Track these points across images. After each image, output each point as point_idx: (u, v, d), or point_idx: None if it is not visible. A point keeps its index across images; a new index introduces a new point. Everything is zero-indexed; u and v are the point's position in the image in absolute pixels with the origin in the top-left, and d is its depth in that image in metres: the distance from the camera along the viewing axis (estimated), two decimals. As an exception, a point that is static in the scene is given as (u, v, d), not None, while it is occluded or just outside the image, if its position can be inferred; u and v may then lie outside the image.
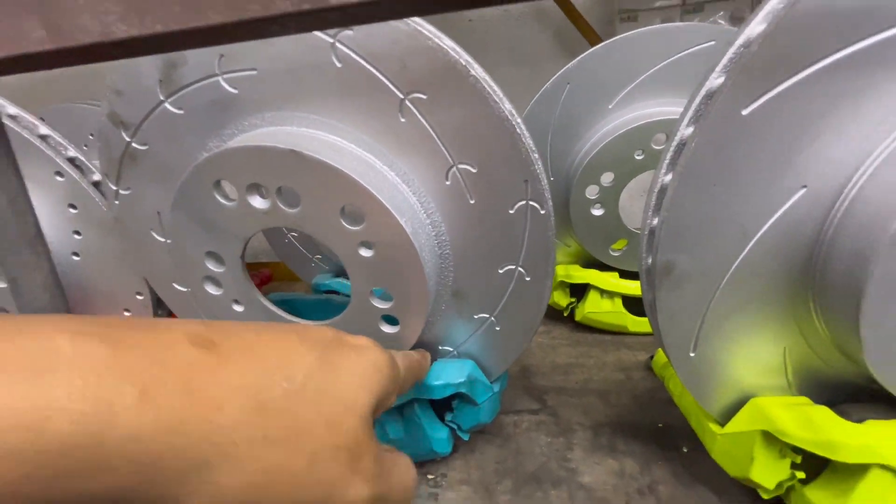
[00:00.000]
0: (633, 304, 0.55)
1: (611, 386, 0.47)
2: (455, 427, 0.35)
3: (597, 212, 0.53)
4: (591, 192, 0.52)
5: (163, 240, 0.35)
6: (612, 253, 0.55)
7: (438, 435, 0.34)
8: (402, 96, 0.26)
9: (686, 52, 0.46)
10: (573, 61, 0.48)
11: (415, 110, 0.26)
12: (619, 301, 0.55)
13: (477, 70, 0.25)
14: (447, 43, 0.25)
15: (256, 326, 0.19)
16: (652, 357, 0.46)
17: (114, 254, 0.39)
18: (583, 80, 0.48)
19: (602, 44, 0.47)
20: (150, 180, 0.33)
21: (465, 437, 0.36)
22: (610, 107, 0.49)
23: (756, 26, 0.20)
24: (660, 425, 0.40)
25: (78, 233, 0.40)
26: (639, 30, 0.46)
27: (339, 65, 0.26)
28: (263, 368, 0.17)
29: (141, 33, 0.17)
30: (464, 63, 0.25)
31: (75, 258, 0.41)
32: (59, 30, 0.18)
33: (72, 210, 0.38)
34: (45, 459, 0.12)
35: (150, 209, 0.34)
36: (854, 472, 0.24)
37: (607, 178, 0.51)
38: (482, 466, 0.36)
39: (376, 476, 0.19)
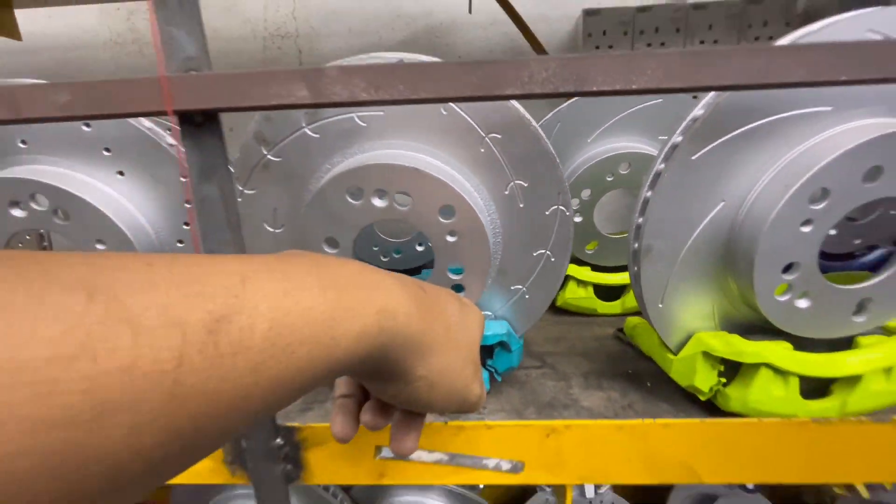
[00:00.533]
0: (602, 292, 0.72)
1: (590, 350, 0.62)
2: (493, 370, 0.48)
3: (577, 219, 0.69)
4: (573, 204, 0.68)
5: (272, 230, 0.46)
6: (586, 251, 0.71)
7: (483, 376, 0.47)
8: (483, 135, 0.39)
9: (642, 105, 0.63)
10: (563, 105, 0.64)
11: (491, 144, 0.40)
12: (591, 289, 0.71)
13: (533, 122, 0.39)
14: (516, 104, 0.39)
15: (434, 288, 0.31)
16: (620, 329, 0.62)
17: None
18: (570, 119, 0.64)
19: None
20: (275, 184, 0.43)
21: (499, 379, 0.49)
22: (589, 140, 0.66)
23: (698, 110, 0.36)
24: (629, 371, 0.55)
25: (186, 224, 0.49)
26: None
27: (444, 112, 0.39)
28: (447, 307, 0.29)
29: (375, 99, 0.29)
30: (527, 118, 0.39)
31: (179, 245, 0.50)
32: (319, 93, 0.29)
33: (187, 205, 0.48)
34: (387, 339, 0.22)
35: (269, 206, 0.45)
36: (752, 372, 0.40)
37: (586, 193, 0.67)
38: (510, 401, 0.49)
39: (482, 384, 0.32)
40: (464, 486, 0.81)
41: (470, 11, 0.88)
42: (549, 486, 0.65)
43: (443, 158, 0.40)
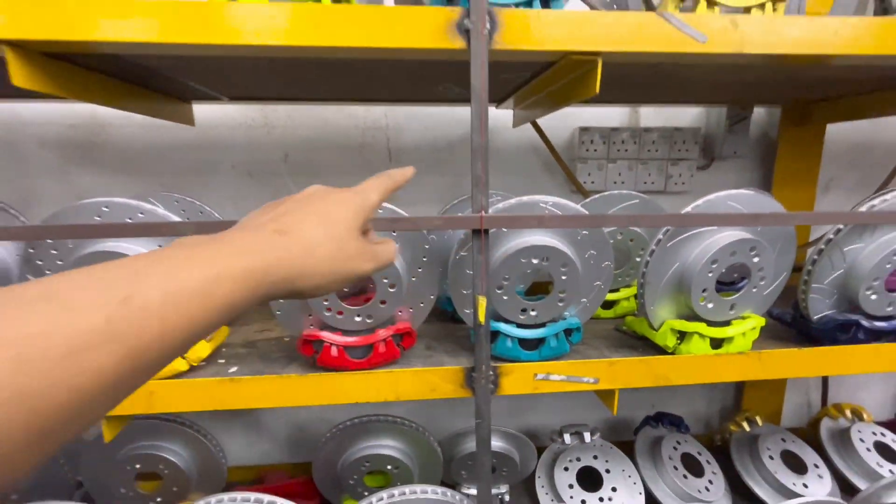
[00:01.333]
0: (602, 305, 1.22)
1: (603, 337, 1.11)
2: (570, 343, 0.96)
3: (591, 262, 1.19)
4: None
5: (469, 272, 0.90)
6: (595, 281, 1.21)
7: (566, 347, 0.94)
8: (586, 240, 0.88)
9: (622, 205, 1.15)
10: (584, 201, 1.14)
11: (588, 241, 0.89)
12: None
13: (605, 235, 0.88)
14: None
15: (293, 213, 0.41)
16: (618, 327, 1.13)
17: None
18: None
19: (585, 201, 1.15)
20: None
21: (570, 346, 0.96)
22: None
23: (666, 229, 0.87)
24: (630, 345, 1.05)
25: (415, 268, 0.91)
26: (599, 195, 1.14)
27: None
28: (304, 224, 0.39)
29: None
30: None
31: (409, 279, 0.92)
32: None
33: (419, 258, 0.90)
34: (256, 285, 0.33)
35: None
36: (690, 337, 0.91)
37: (597, 248, 1.17)
38: (580, 353, 0.97)
39: (370, 256, 0.44)
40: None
41: (514, 126, 1.38)
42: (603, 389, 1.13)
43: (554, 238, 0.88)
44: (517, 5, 0.75)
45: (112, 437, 0.83)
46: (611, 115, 1.51)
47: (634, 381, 0.89)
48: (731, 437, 1.49)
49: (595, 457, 1.33)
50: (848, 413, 1.52)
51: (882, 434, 1.43)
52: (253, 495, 0.91)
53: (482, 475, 0.87)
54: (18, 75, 0.67)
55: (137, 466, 1.15)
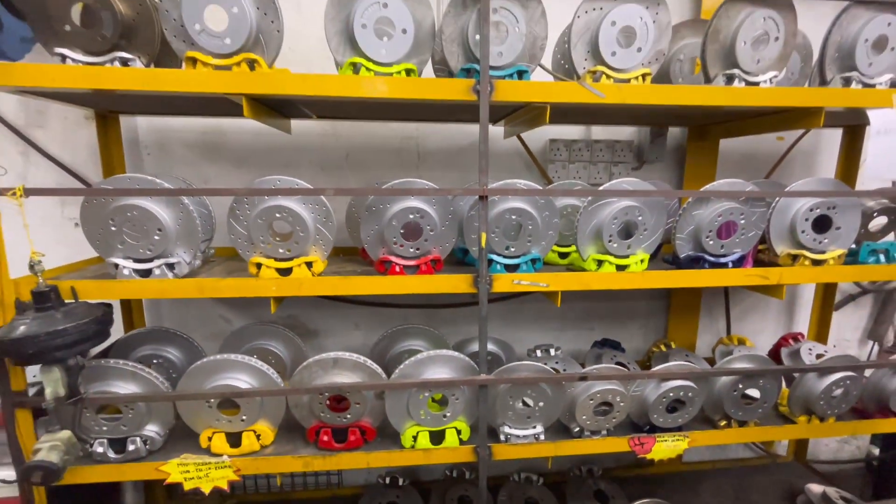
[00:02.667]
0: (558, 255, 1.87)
1: (557, 271, 1.76)
2: (534, 270, 1.61)
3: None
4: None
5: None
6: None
7: (531, 271, 1.59)
8: (539, 200, 1.54)
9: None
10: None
11: (541, 203, 1.55)
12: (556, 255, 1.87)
13: (551, 197, 1.54)
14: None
15: None
16: (569, 263, 1.79)
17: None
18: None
19: (548, 186, 1.81)
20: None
21: (537, 268, 1.62)
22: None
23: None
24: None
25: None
26: (557, 183, 1.80)
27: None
28: None
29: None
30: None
31: (440, 228, 1.57)
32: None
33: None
34: None
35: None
36: (603, 264, 1.57)
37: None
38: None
39: None
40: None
41: (504, 138, 2.04)
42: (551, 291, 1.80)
43: (528, 206, 1.54)
44: (505, 77, 1.41)
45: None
46: (572, 131, 2.18)
47: (569, 286, 1.54)
48: (654, 355, 2.15)
49: (557, 363, 1.98)
50: (735, 341, 2.19)
51: (754, 352, 2.10)
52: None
53: (482, 338, 1.52)
54: (248, 111, 1.33)
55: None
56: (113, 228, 1.39)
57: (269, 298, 1.47)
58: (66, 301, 1.34)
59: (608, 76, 1.44)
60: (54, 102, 1.86)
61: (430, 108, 1.64)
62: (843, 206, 1.62)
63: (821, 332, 2.35)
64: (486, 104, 1.36)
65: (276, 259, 1.47)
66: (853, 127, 2.14)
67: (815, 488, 2.22)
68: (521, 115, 1.58)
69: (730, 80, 1.49)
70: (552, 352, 2.05)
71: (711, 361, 2.13)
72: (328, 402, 1.56)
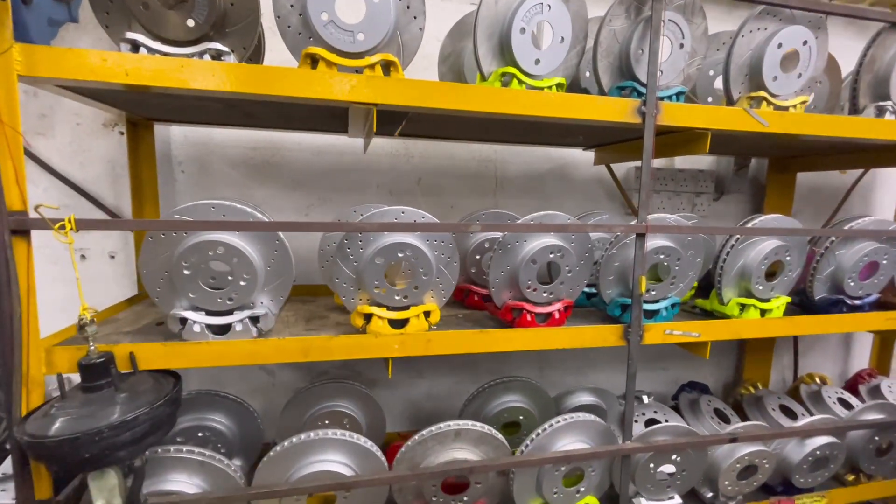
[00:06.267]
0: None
1: (682, 312, 1.58)
2: (672, 313, 1.41)
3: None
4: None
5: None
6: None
7: (671, 315, 1.40)
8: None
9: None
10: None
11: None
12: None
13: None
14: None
15: None
16: (693, 305, 1.61)
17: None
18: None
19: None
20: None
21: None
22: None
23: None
24: (702, 317, 1.52)
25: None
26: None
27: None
28: None
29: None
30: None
31: (573, 268, 1.35)
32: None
33: (581, 254, 1.34)
34: None
35: (615, 255, 1.34)
36: (746, 309, 1.40)
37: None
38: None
39: None
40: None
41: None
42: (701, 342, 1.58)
43: (673, 244, 1.36)
44: (665, 98, 1.23)
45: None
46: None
47: (720, 336, 1.36)
48: (742, 398, 2.01)
49: (655, 411, 1.78)
50: (818, 380, 2.09)
51: (841, 392, 2.01)
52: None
53: (629, 396, 1.29)
54: (376, 126, 1.05)
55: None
56: (187, 272, 1.04)
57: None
58: (123, 372, 0.98)
59: (769, 102, 1.30)
60: (72, 102, 1.48)
61: (541, 128, 1.43)
62: (965, 245, 1.57)
63: (881, 366, 2.33)
64: (653, 128, 1.18)
65: (388, 308, 1.18)
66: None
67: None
68: (666, 141, 1.40)
69: (880, 112, 1.40)
70: (645, 399, 1.85)
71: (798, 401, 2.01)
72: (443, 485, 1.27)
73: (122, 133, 1.57)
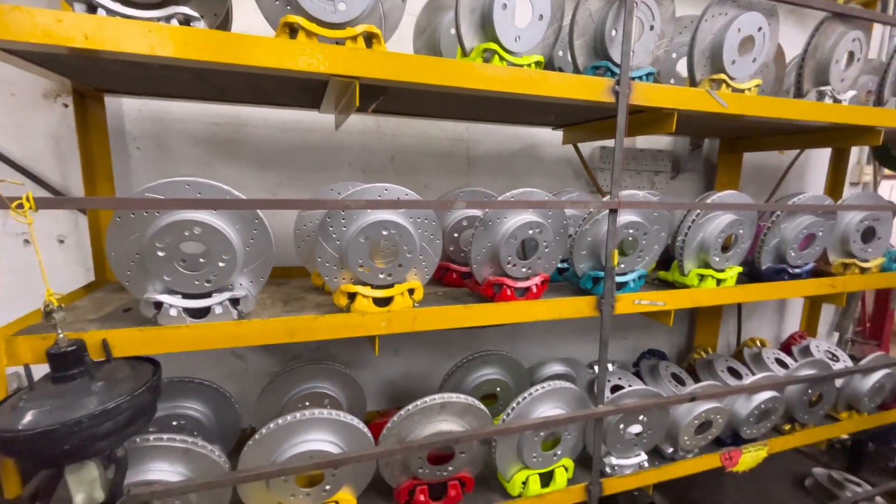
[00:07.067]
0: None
1: (646, 283, 1.68)
2: (638, 284, 1.51)
3: (627, 239, 1.76)
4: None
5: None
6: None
7: (638, 287, 1.49)
8: (651, 213, 1.44)
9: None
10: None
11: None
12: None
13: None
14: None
15: None
16: (657, 276, 1.72)
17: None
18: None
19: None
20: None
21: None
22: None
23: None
24: (667, 288, 1.63)
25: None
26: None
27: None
28: None
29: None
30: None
31: (549, 244, 1.39)
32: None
33: (557, 230, 1.38)
34: None
35: (588, 231, 1.40)
36: (705, 279, 1.51)
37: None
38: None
39: None
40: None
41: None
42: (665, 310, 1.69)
43: (641, 219, 1.43)
44: (636, 78, 1.28)
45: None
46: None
47: (682, 304, 1.46)
48: (695, 362, 2.18)
49: (619, 378, 1.90)
50: (758, 343, 2.31)
51: (778, 353, 2.23)
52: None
53: (601, 364, 1.37)
54: (358, 100, 1.03)
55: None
56: (161, 254, 0.99)
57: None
58: (97, 361, 0.92)
59: (728, 85, 1.39)
60: (3, 69, 1.34)
61: (515, 106, 1.44)
62: (884, 218, 1.76)
63: (810, 328, 2.60)
64: (626, 107, 1.23)
65: (372, 286, 1.18)
66: (840, 148, 2.38)
67: (821, 472, 2.43)
68: (636, 121, 1.45)
69: (821, 96, 1.53)
70: (609, 367, 1.97)
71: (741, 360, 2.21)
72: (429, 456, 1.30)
73: (65, 105, 1.44)
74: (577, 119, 1.69)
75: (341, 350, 1.89)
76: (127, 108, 1.50)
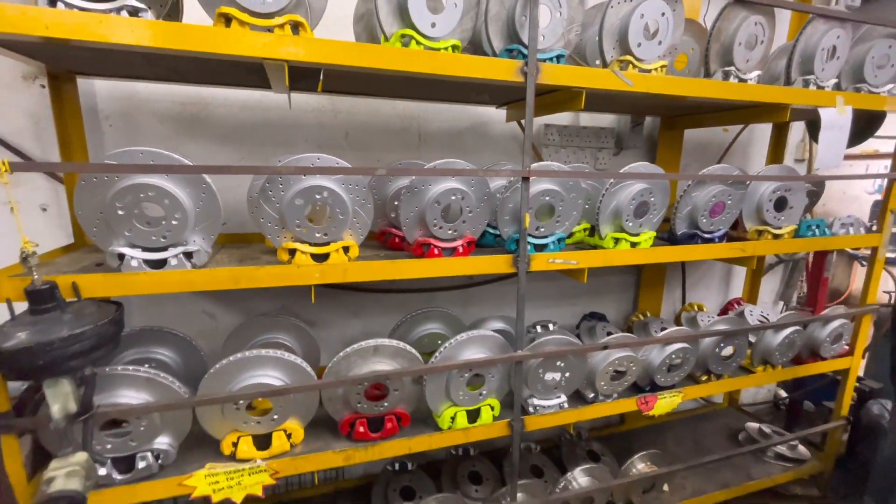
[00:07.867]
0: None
1: (573, 247, 1.87)
2: (559, 246, 1.69)
3: (560, 208, 1.94)
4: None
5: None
6: (562, 220, 1.97)
7: (558, 249, 1.67)
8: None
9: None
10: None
11: (569, 184, 1.62)
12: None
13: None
14: (575, 175, 1.62)
15: None
16: (583, 241, 1.90)
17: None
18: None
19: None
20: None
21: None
22: (565, 181, 1.92)
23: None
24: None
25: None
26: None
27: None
28: None
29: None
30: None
31: (475, 209, 1.57)
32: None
33: (481, 197, 1.56)
34: None
35: (510, 198, 1.58)
36: (620, 242, 1.70)
37: (564, 199, 1.93)
38: (562, 257, 1.70)
39: None
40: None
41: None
42: (579, 268, 1.89)
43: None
44: (546, 60, 1.44)
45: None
46: (563, 117, 2.28)
47: (594, 263, 1.64)
48: (632, 324, 2.38)
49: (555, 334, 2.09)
50: (696, 308, 2.50)
51: (712, 316, 2.42)
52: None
53: (519, 313, 1.57)
54: (288, 81, 1.20)
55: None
56: (120, 213, 1.17)
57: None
58: (69, 300, 1.11)
59: (634, 66, 1.55)
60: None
61: (454, 87, 1.61)
62: (796, 188, 1.93)
63: (751, 296, 2.79)
64: (533, 86, 1.39)
65: (310, 244, 1.36)
66: (780, 123, 2.53)
67: (753, 426, 2.65)
68: (549, 99, 1.62)
69: (726, 76, 1.68)
70: (550, 327, 2.16)
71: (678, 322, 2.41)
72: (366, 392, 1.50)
73: (42, 86, 1.61)
74: (512, 98, 1.85)
75: (304, 310, 2.09)
76: (98, 89, 1.67)
